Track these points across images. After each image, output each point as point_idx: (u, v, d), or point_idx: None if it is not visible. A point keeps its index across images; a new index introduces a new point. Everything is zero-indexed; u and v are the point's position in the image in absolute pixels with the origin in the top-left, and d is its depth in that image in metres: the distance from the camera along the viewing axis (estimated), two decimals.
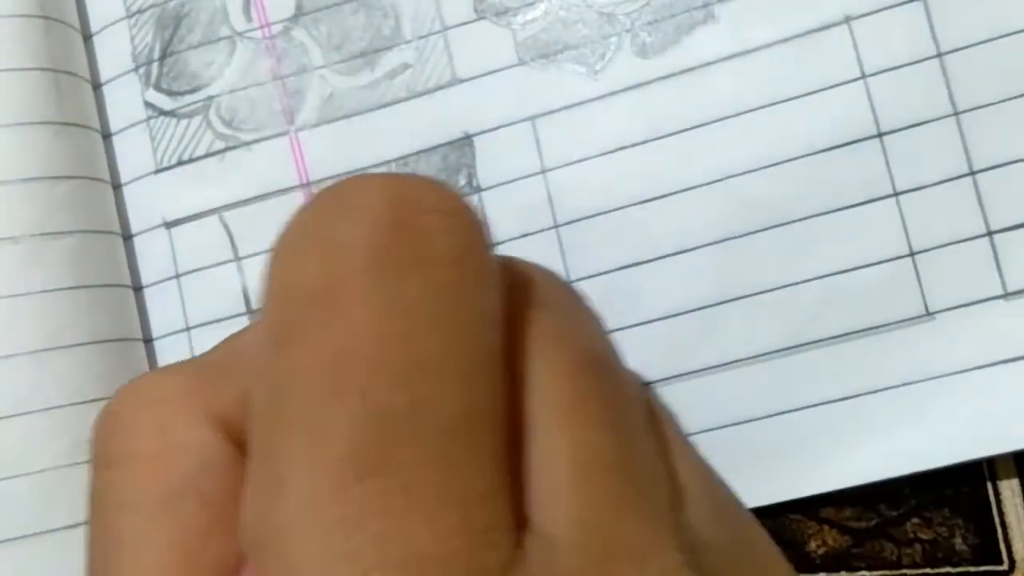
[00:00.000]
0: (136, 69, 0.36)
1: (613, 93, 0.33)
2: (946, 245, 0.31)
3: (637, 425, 0.14)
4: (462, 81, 0.34)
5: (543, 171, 0.33)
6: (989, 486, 0.31)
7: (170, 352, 0.35)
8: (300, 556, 0.12)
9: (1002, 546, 0.31)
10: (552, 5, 0.33)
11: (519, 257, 0.15)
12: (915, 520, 0.32)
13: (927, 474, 0.31)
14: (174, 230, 0.35)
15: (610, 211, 0.33)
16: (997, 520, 0.31)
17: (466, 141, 0.34)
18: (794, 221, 0.32)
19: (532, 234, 0.33)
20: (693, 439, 0.15)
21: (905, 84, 0.31)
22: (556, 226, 0.33)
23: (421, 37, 0.34)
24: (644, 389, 0.15)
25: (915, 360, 0.31)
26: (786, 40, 0.32)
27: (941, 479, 0.31)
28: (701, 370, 0.32)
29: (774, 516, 0.32)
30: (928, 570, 0.31)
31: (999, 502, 0.31)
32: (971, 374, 0.30)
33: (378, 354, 0.12)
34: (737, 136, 0.32)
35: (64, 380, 0.32)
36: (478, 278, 0.13)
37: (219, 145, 0.35)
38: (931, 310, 0.31)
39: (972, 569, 0.31)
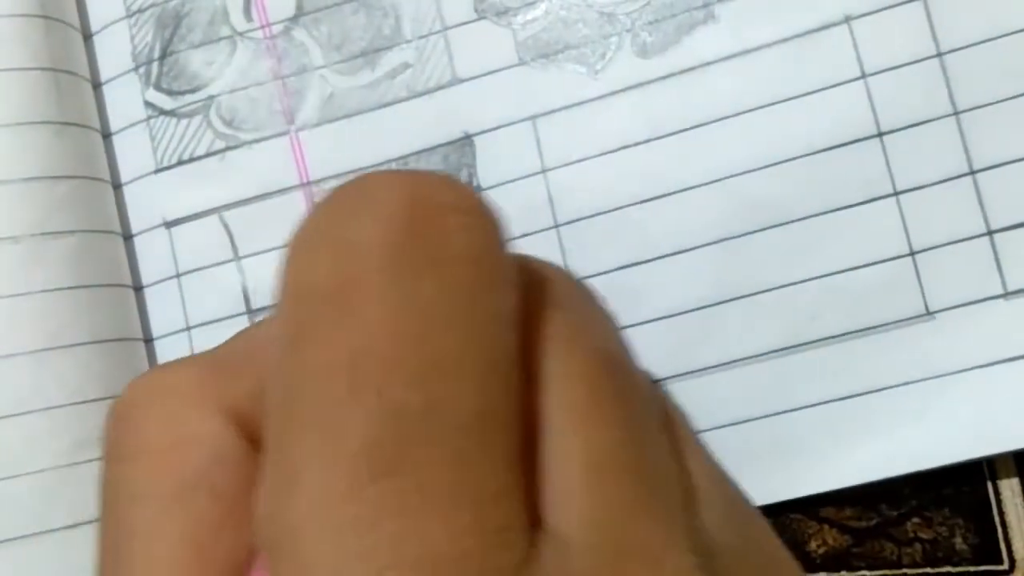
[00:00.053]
0: (136, 69, 0.36)
1: (613, 93, 0.33)
2: (946, 244, 0.31)
3: (651, 426, 0.14)
4: (462, 81, 0.34)
5: (543, 171, 0.33)
6: (989, 486, 0.31)
7: (170, 352, 0.35)
8: (314, 555, 0.12)
9: (1002, 545, 0.31)
10: (552, 5, 0.33)
11: (534, 255, 0.15)
12: (915, 520, 0.32)
13: (927, 474, 0.31)
14: (174, 230, 0.35)
15: (610, 211, 0.33)
16: (997, 520, 0.31)
17: (466, 141, 0.34)
18: (794, 221, 0.32)
19: (532, 234, 0.33)
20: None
21: (905, 84, 0.31)
22: (556, 226, 0.33)
23: (421, 37, 0.34)
24: (658, 389, 0.15)
25: (915, 359, 0.31)
26: (786, 40, 0.32)
27: (941, 479, 0.31)
28: (701, 370, 0.32)
29: (774, 515, 0.32)
30: (928, 570, 0.31)
31: (999, 502, 0.31)
32: (971, 373, 0.30)
33: (393, 353, 0.12)
34: (737, 136, 0.32)
35: (64, 380, 0.32)
36: (494, 277, 0.13)
37: (219, 145, 0.35)
38: (931, 309, 0.31)
39: (972, 569, 0.31)
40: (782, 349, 0.31)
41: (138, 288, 0.35)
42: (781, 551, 0.15)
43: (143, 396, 0.15)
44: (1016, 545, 0.31)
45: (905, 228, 0.31)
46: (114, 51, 0.36)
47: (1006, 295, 0.31)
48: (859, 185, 0.31)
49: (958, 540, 0.31)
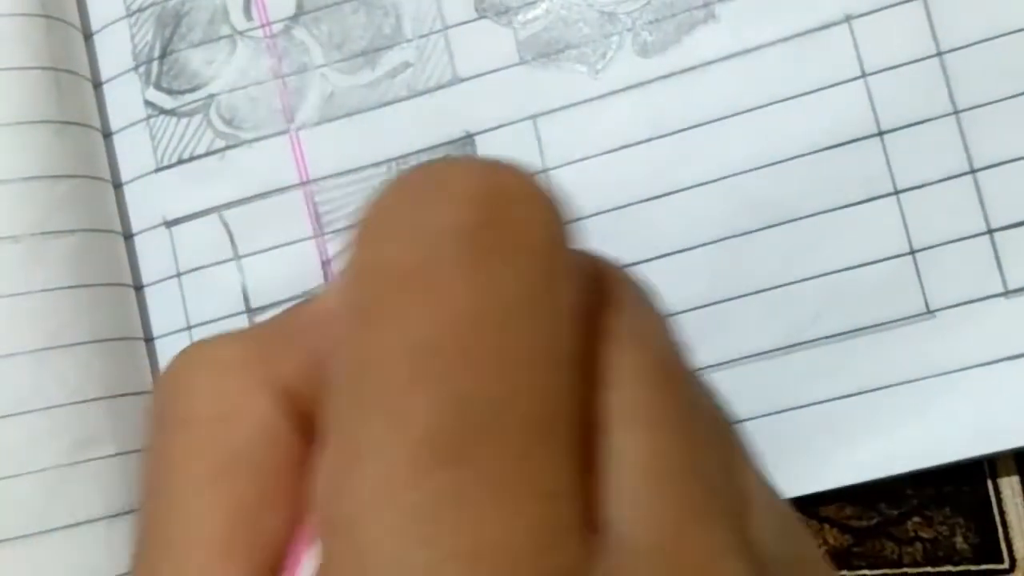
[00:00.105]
0: (136, 68, 0.36)
1: (614, 92, 0.33)
2: (947, 243, 0.31)
3: (708, 432, 0.14)
4: (463, 80, 0.34)
5: (544, 170, 0.33)
6: (990, 485, 0.31)
7: (171, 351, 0.35)
8: (372, 539, 0.11)
9: (1003, 545, 0.31)
10: (553, 4, 0.33)
11: (599, 253, 0.15)
12: (916, 519, 0.32)
13: (928, 473, 0.31)
14: (174, 229, 0.35)
15: (611, 210, 0.33)
16: (998, 519, 0.31)
17: (467, 140, 0.34)
18: (795, 220, 0.32)
19: None
20: None
21: (905, 83, 0.31)
22: None
23: (422, 36, 0.34)
24: (714, 396, 0.15)
25: (916, 358, 0.31)
26: (787, 39, 0.32)
27: (942, 478, 0.31)
28: (702, 368, 0.32)
29: None
30: (929, 569, 0.31)
31: (1000, 501, 0.31)
32: (972, 372, 0.31)
33: (465, 341, 0.12)
34: (738, 135, 0.32)
35: (65, 379, 0.32)
36: (566, 272, 0.13)
37: (219, 144, 0.35)
38: (932, 308, 0.31)
39: (973, 568, 0.31)
40: (783, 348, 0.31)
41: (138, 287, 0.35)
42: (823, 565, 0.15)
43: (191, 367, 0.15)
44: (1016, 544, 0.31)
45: (906, 227, 0.31)
46: (114, 50, 0.36)
47: (1006, 293, 0.31)
48: (860, 184, 0.31)
49: (959, 539, 0.31)
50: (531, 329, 0.12)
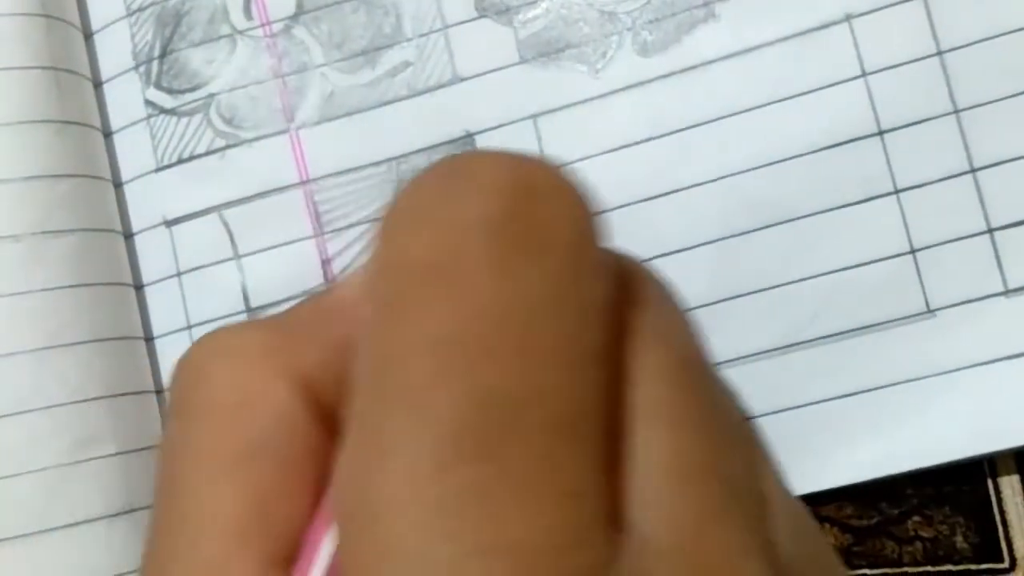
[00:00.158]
0: (137, 67, 0.36)
1: (614, 92, 0.33)
2: (947, 242, 0.31)
3: (732, 434, 0.14)
4: (463, 79, 0.34)
5: None
6: (990, 484, 0.31)
7: (171, 351, 0.35)
8: (396, 532, 0.11)
9: (1003, 544, 0.31)
10: (553, 3, 0.33)
11: (624, 250, 0.15)
12: (916, 518, 0.31)
13: (928, 472, 0.31)
14: (174, 228, 0.35)
15: (611, 209, 0.32)
16: (998, 518, 0.31)
17: (467, 140, 0.34)
18: (795, 219, 0.32)
19: None
20: None
21: (906, 82, 0.31)
22: None
23: (422, 35, 0.34)
24: (735, 395, 0.15)
25: (916, 357, 0.31)
26: (787, 38, 0.32)
27: (942, 477, 0.31)
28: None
29: None
30: (929, 568, 0.31)
31: (1000, 500, 0.31)
32: (972, 371, 0.31)
33: (491, 337, 0.12)
34: (738, 134, 0.32)
35: (65, 378, 0.32)
36: (593, 269, 0.13)
37: (219, 143, 0.35)
38: (932, 307, 0.31)
39: (973, 567, 0.31)
40: (782, 347, 0.31)
41: (139, 287, 0.35)
42: (839, 568, 0.15)
43: (210, 355, 0.15)
44: (1016, 543, 0.31)
45: (906, 226, 0.31)
46: (115, 50, 0.36)
47: (1007, 293, 0.31)
48: (860, 183, 0.31)
49: (959, 538, 0.31)
50: (558, 326, 0.12)
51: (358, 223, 0.34)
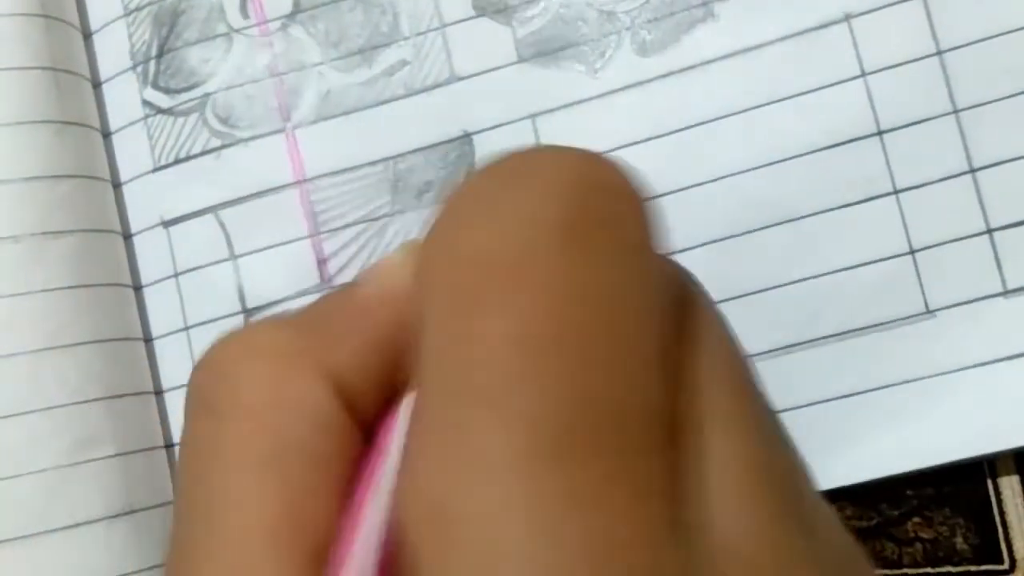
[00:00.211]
0: (134, 67, 0.36)
1: (613, 91, 0.33)
2: (946, 243, 0.31)
3: (781, 437, 0.14)
4: (461, 79, 0.34)
5: None
6: (990, 485, 0.31)
7: (170, 352, 0.35)
8: (492, 536, 0.11)
9: (1003, 545, 0.31)
10: (552, 2, 0.33)
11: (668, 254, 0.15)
12: (916, 519, 0.31)
13: (928, 473, 0.31)
14: (172, 229, 0.35)
15: None
16: (998, 519, 0.31)
17: (465, 139, 0.33)
18: (794, 219, 0.31)
19: None
20: None
21: (905, 82, 0.31)
22: None
23: (419, 34, 0.34)
24: (771, 402, 0.15)
25: (915, 358, 0.31)
26: (786, 38, 0.32)
27: (942, 478, 0.31)
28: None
29: None
30: (929, 569, 0.31)
31: (1000, 501, 0.31)
32: (972, 372, 0.30)
33: (576, 336, 0.12)
34: (737, 135, 0.32)
35: (65, 379, 0.32)
36: (659, 266, 0.13)
37: (215, 143, 0.35)
38: (931, 308, 0.31)
39: (973, 568, 0.31)
40: (782, 348, 0.31)
41: (138, 288, 0.35)
42: (869, 566, 0.15)
43: (239, 354, 0.15)
44: (1016, 545, 0.31)
45: (905, 226, 0.31)
46: (113, 50, 0.36)
47: (1006, 293, 0.31)
48: (859, 183, 0.31)
49: (959, 540, 0.31)
50: (637, 326, 0.12)
51: (354, 223, 0.34)
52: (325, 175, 0.34)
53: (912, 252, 0.31)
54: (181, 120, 0.35)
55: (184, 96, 0.35)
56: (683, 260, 0.32)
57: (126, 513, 0.32)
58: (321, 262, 0.34)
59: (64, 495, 0.32)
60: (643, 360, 0.12)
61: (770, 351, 0.31)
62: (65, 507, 0.32)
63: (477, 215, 0.13)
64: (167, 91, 0.35)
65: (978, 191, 0.31)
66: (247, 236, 0.34)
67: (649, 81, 0.33)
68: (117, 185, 0.36)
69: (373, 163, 0.34)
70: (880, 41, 0.31)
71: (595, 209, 0.13)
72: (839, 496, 0.31)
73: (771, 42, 0.32)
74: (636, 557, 0.11)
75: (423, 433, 0.12)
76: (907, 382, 0.31)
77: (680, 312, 0.14)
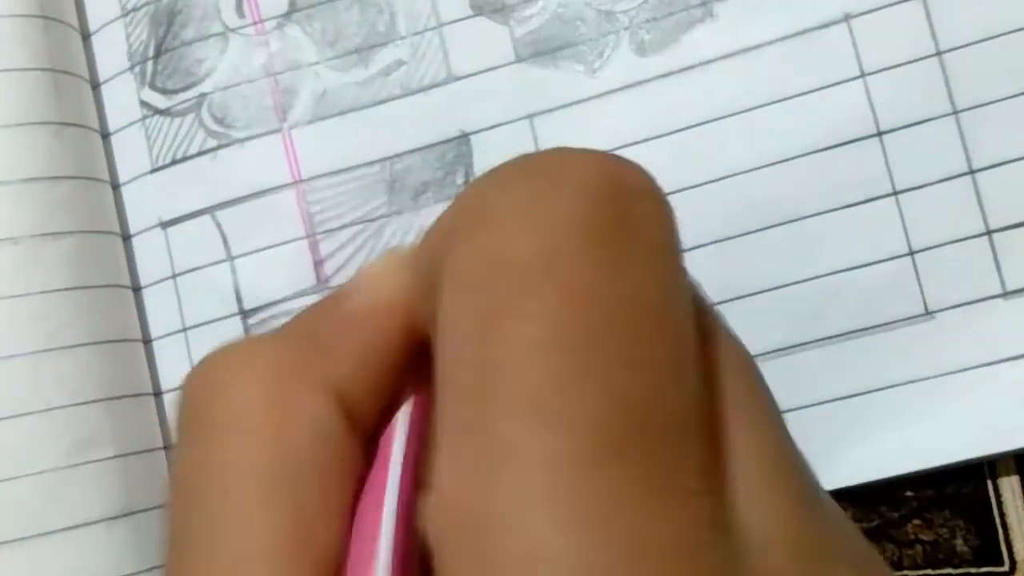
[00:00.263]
0: (132, 68, 0.36)
1: (611, 91, 0.33)
2: (946, 244, 0.31)
3: (786, 426, 0.14)
4: (458, 78, 0.34)
5: None
6: (990, 486, 0.31)
7: (168, 353, 0.35)
8: (537, 540, 0.11)
9: (1003, 547, 0.31)
10: (550, 2, 0.33)
11: None
12: (916, 521, 0.31)
13: (928, 475, 0.31)
14: (170, 230, 0.35)
15: None
16: (998, 521, 0.31)
17: (463, 140, 0.33)
18: (793, 220, 0.31)
19: None
20: None
21: (904, 83, 0.31)
22: None
23: (416, 33, 0.34)
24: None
25: (915, 359, 0.31)
26: (785, 38, 0.32)
27: (941, 479, 0.31)
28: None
29: None
30: (929, 571, 0.31)
31: (1000, 503, 0.31)
32: (971, 373, 0.30)
33: (610, 339, 0.12)
34: (736, 135, 0.32)
35: (64, 381, 0.32)
36: (683, 268, 0.13)
37: (211, 143, 0.35)
38: (931, 309, 0.31)
39: (973, 570, 0.31)
40: (781, 349, 0.31)
41: (136, 289, 0.35)
42: (868, 546, 0.16)
43: (232, 369, 0.14)
44: (1017, 546, 0.31)
45: (904, 228, 0.31)
46: (111, 51, 0.36)
47: (1005, 295, 0.30)
48: (858, 184, 0.31)
49: (959, 542, 0.31)
50: (668, 324, 0.12)
51: (351, 224, 0.34)
52: (321, 175, 0.34)
53: (911, 253, 0.31)
54: (178, 121, 0.35)
55: (180, 96, 0.35)
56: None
57: (125, 515, 0.32)
58: (318, 263, 0.34)
59: (63, 497, 0.32)
60: (676, 359, 0.12)
61: (768, 352, 0.31)
62: (64, 509, 0.32)
63: (503, 217, 0.13)
64: (164, 92, 0.35)
65: (978, 192, 0.30)
66: (244, 237, 0.34)
67: (648, 81, 0.32)
68: (116, 186, 0.36)
69: (370, 163, 0.34)
70: (880, 41, 0.31)
71: (621, 211, 0.13)
72: (839, 498, 0.31)
73: (770, 42, 0.32)
74: (679, 559, 0.11)
75: (452, 441, 0.12)
76: (906, 383, 0.31)
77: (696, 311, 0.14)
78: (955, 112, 0.31)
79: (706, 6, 0.32)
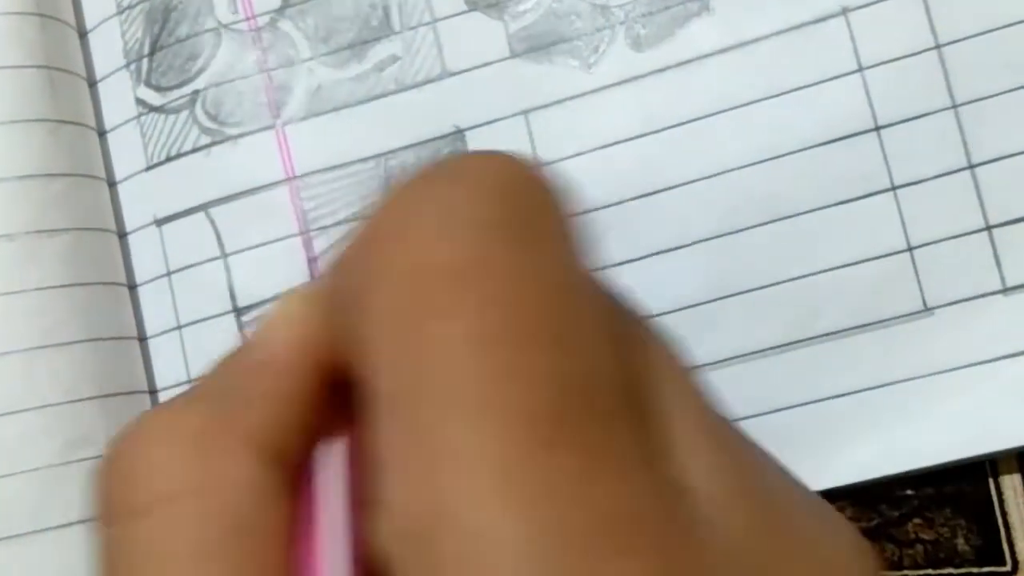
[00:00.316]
0: (127, 65, 0.36)
1: (607, 87, 0.32)
2: (945, 240, 0.30)
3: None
4: (453, 74, 0.33)
5: None
6: (991, 485, 0.31)
7: (164, 350, 0.35)
8: (495, 530, 0.11)
9: (1005, 546, 0.31)
10: None
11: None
12: (917, 520, 0.31)
13: (928, 473, 0.30)
14: (164, 227, 0.35)
15: (605, 207, 0.32)
16: (1000, 520, 0.31)
17: (458, 135, 0.33)
18: (791, 216, 0.31)
19: None
20: None
21: (903, 76, 0.31)
22: None
23: (410, 29, 0.34)
24: None
25: (914, 356, 0.30)
26: (782, 32, 0.31)
27: (942, 478, 0.31)
28: (699, 366, 0.31)
29: None
30: (930, 571, 0.31)
31: (1002, 501, 0.31)
32: (970, 370, 0.30)
33: (538, 327, 0.12)
34: (733, 130, 0.31)
35: (59, 378, 0.32)
36: (583, 247, 0.14)
37: (205, 140, 0.35)
38: (930, 305, 0.30)
39: (975, 570, 0.31)
40: (779, 346, 0.31)
41: (132, 286, 0.35)
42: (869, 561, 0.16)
43: (150, 442, 0.14)
44: (1019, 546, 0.30)
45: (903, 223, 0.31)
46: (107, 48, 0.36)
47: (1005, 291, 0.30)
48: (856, 179, 0.31)
49: (960, 541, 0.31)
50: (587, 304, 0.13)
51: (345, 221, 0.33)
52: (316, 172, 0.34)
53: (910, 249, 0.31)
54: (172, 118, 0.35)
55: (175, 93, 0.35)
56: (678, 257, 0.31)
57: None
58: (312, 260, 0.34)
59: (57, 494, 0.32)
60: (598, 334, 0.13)
61: (766, 349, 0.31)
62: (58, 506, 0.32)
63: (407, 227, 0.13)
64: (159, 88, 0.35)
65: (977, 187, 0.30)
66: (238, 234, 0.34)
67: (643, 76, 0.32)
68: (112, 184, 0.36)
69: (364, 160, 0.34)
70: (878, 35, 0.31)
71: (523, 204, 0.13)
72: (839, 496, 0.31)
73: (767, 36, 0.31)
74: (628, 528, 0.11)
75: (393, 452, 0.12)
76: (906, 380, 0.30)
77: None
78: (954, 106, 0.30)
79: (702, 0, 0.32)
